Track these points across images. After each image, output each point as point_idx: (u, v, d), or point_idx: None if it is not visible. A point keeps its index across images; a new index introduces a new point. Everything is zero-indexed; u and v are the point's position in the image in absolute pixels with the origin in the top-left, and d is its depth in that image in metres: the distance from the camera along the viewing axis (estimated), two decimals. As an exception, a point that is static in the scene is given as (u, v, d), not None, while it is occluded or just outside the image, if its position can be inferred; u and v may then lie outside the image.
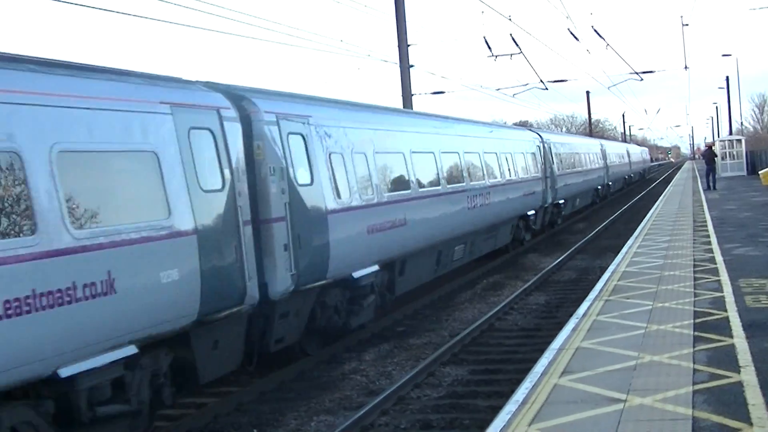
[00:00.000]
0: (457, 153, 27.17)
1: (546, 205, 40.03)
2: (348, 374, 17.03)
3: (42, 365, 10.22)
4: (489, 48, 44.25)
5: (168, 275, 12.29)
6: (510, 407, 10.21)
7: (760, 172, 62.19)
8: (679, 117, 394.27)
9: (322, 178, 17.67)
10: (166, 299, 12.27)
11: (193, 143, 13.60)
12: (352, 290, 18.97)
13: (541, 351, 13.61)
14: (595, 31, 49.13)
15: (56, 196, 10.48)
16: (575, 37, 46.36)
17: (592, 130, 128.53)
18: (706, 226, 30.52)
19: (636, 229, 32.80)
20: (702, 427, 8.94)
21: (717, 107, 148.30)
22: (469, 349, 18.60)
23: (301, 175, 16.92)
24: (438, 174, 24.77)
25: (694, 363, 11.54)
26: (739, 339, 12.77)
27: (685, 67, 60.86)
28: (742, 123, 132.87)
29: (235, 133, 14.82)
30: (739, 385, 10.34)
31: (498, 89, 53.99)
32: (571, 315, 16.33)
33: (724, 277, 18.67)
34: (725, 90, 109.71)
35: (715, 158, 62.20)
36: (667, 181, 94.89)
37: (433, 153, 24.79)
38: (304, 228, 16.42)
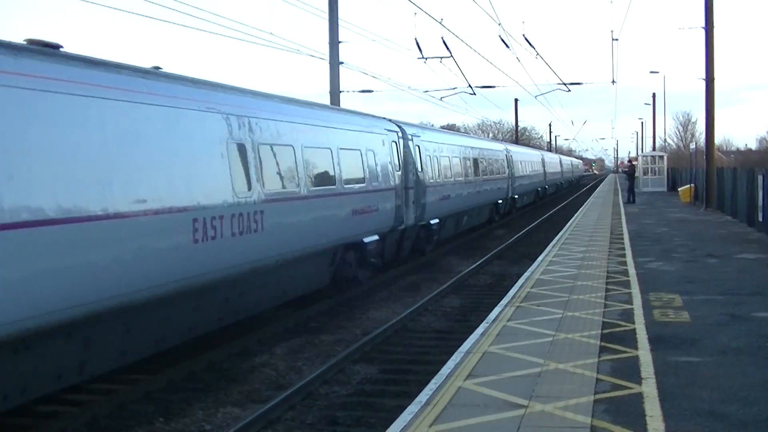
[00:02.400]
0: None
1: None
2: (258, 367, 17.01)
3: None
4: (420, 50, 44.37)
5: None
6: (412, 408, 10.29)
7: (679, 189, 63.19)
8: (605, 130, 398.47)
9: (426, 168, 32.89)
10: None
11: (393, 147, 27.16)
12: (428, 229, 33.52)
13: (452, 353, 13.70)
14: (526, 39, 49.43)
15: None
16: (506, 45, 46.57)
17: (518, 137, 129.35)
18: (623, 239, 30.93)
19: (554, 238, 33.13)
20: (599, 436, 9.10)
21: (642, 122, 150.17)
22: (381, 348, 18.64)
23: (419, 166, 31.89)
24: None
25: (597, 373, 11.72)
26: (644, 351, 12.98)
27: (613, 82, 61.54)
28: (665, 140, 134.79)
29: (400, 143, 30.24)
30: (639, 396, 10.52)
31: (426, 91, 54.08)
32: (483, 319, 16.46)
33: (635, 290, 18.97)
34: (651, 106, 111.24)
35: (636, 174, 63.39)
36: (589, 192, 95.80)
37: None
38: (420, 193, 31.45)
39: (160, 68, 17.03)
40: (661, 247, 27.94)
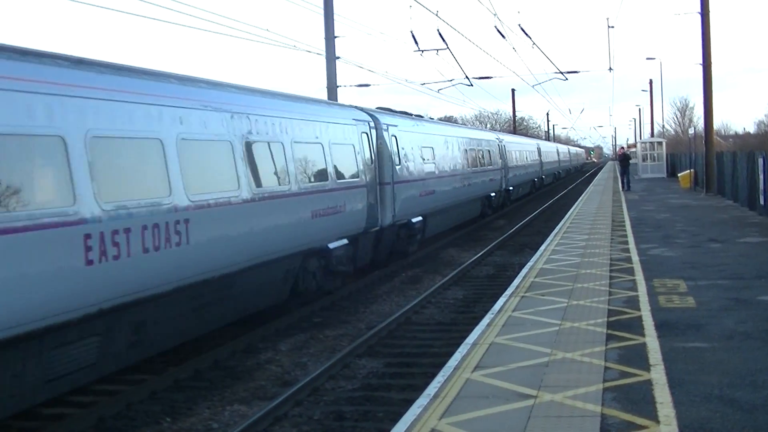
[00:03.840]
0: None
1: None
2: (263, 364, 16.97)
3: None
4: (416, 42, 44.30)
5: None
6: (422, 401, 10.24)
7: (679, 175, 63.20)
8: (602, 117, 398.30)
9: (506, 158, 51.15)
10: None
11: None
12: (509, 192, 56.49)
13: (457, 345, 13.65)
14: (521, 29, 49.48)
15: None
16: (502, 35, 46.57)
17: (516, 127, 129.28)
18: (624, 226, 30.90)
19: (555, 227, 33.10)
20: (610, 425, 9.04)
21: (640, 109, 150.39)
22: (386, 341, 18.61)
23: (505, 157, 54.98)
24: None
25: (605, 361, 11.67)
26: (651, 338, 12.94)
27: (610, 69, 61.58)
28: (663, 126, 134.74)
29: (500, 145, 52.99)
30: (649, 383, 10.48)
31: (423, 84, 54.05)
32: (487, 310, 16.41)
33: (639, 276, 18.93)
34: (648, 92, 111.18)
35: (630, 161, 63.61)
36: (589, 180, 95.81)
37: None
38: (506, 172, 51.99)
39: (421, 117, 41.13)
40: (663, 233, 27.91)
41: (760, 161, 31.98)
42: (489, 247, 34.34)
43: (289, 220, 19.65)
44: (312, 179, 21.35)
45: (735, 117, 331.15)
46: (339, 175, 23.20)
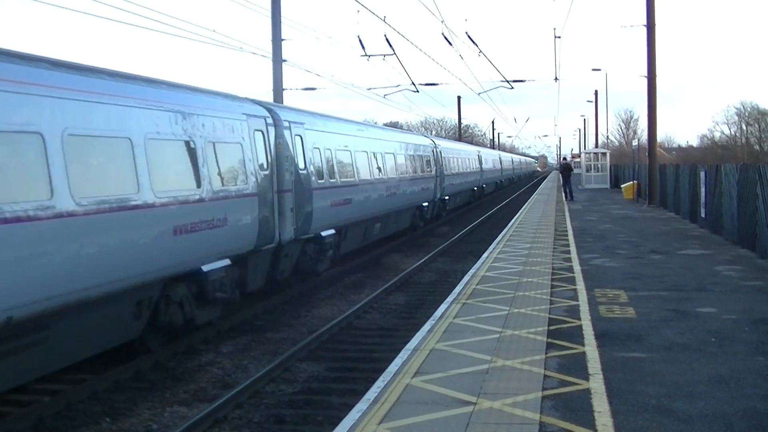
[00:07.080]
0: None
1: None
2: (204, 366, 16.92)
3: None
4: (363, 47, 44.36)
5: None
6: (361, 406, 10.25)
7: (622, 186, 63.71)
8: (547, 127, 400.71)
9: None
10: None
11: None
12: (501, 185, 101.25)
13: (398, 351, 13.67)
14: (468, 37, 49.62)
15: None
16: (449, 42, 46.66)
17: (461, 134, 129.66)
18: (567, 235, 31.07)
19: (498, 235, 33.22)
20: (548, 432, 9.12)
21: (585, 120, 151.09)
22: (327, 346, 18.61)
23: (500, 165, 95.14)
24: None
25: (545, 369, 11.74)
26: (591, 347, 13.04)
27: (556, 79, 61.99)
28: (608, 137, 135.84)
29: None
30: (587, 392, 10.56)
31: (370, 89, 54.10)
32: (429, 316, 16.44)
33: (581, 286, 19.05)
34: (593, 103, 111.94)
35: (572, 171, 64.02)
36: (533, 189, 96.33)
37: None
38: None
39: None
40: (605, 244, 28.11)
41: (702, 175, 32.35)
42: (432, 254, 34.39)
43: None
44: None
45: (679, 130, 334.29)
46: None
